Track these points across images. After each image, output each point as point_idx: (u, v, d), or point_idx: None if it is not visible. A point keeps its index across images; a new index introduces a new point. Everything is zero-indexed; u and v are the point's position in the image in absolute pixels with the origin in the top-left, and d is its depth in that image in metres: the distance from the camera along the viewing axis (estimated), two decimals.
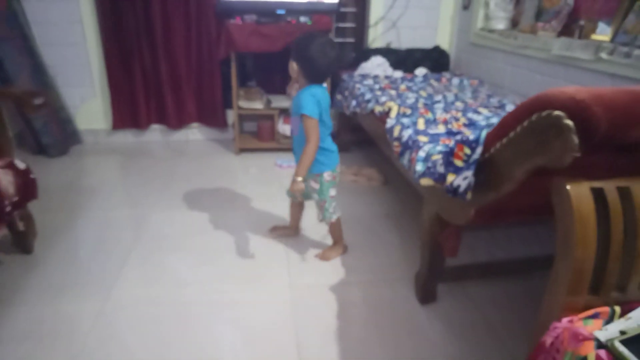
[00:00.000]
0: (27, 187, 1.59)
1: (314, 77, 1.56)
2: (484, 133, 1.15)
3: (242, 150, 3.07)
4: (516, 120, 1.02)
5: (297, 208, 1.94)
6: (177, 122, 3.18)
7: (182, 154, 3.06)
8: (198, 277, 1.72)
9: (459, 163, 1.20)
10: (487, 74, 2.85)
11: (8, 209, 1.49)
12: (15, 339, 1.41)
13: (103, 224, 2.11)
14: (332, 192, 1.72)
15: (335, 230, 1.84)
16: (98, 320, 1.49)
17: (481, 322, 1.53)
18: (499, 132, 1.10)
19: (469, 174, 1.14)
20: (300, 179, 1.56)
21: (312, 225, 2.08)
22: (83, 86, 3.05)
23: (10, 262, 1.77)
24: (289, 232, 2.01)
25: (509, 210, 1.33)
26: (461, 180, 1.16)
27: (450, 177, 1.21)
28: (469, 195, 1.17)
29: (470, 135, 1.21)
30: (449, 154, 1.25)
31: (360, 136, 2.99)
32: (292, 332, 1.46)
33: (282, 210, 2.23)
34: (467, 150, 1.18)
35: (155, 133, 3.28)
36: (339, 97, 2.88)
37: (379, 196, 2.46)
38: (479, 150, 1.14)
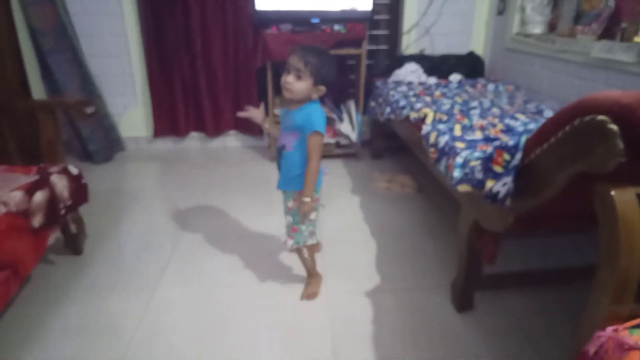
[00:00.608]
0: (79, 191, 1.68)
1: (327, 93, 1.50)
2: (523, 139, 1.15)
3: None
4: (557, 125, 1.01)
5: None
6: (214, 129, 3.28)
7: (219, 160, 3.15)
8: (236, 280, 1.77)
9: (498, 169, 1.20)
10: (523, 79, 2.81)
11: (62, 212, 1.58)
12: (67, 335, 1.49)
13: (146, 227, 2.20)
14: (313, 214, 1.55)
15: (312, 257, 1.68)
16: (144, 319, 1.56)
17: (519, 331, 1.51)
18: (539, 137, 1.09)
19: (508, 179, 1.14)
20: (308, 199, 1.46)
21: (344, 229, 2.11)
22: (126, 95, 3.19)
23: (62, 263, 1.88)
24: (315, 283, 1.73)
25: (549, 217, 1.31)
26: (500, 186, 1.16)
27: (490, 183, 1.21)
28: (508, 202, 1.17)
29: (510, 141, 1.21)
30: (487, 160, 1.25)
31: (393, 143, 3.00)
32: (328, 336, 1.49)
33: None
34: (507, 156, 1.18)
35: (193, 140, 3.39)
36: (372, 104, 2.90)
37: (412, 203, 2.45)
38: (519, 156, 1.14)
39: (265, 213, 2.32)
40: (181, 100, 3.17)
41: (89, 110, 1.69)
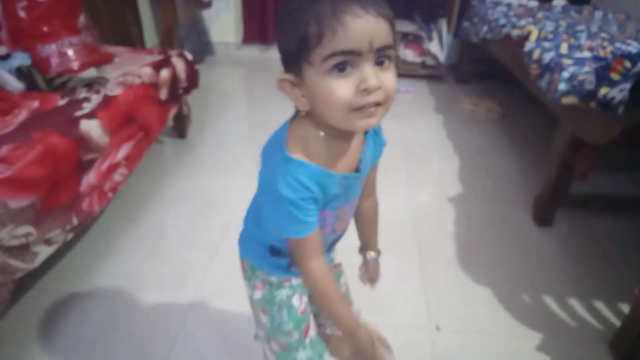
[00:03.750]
0: (192, 75, 1.83)
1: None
2: None
3: None
4: None
5: None
6: None
7: None
8: None
9: (615, 77, 1.19)
10: (635, 8, 2.59)
11: (180, 92, 1.74)
12: (181, 200, 1.71)
13: (239, 122, 2.38)
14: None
15: None
16: (246, 193, 1.73)
17: (598, 251, 1.54)
18: None
19: (626, 86, 1.14)
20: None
21: (427, 142, 2.14)
22: (219, 0, 3.27)
23: (169, 144, 2.09)
24: None
25: None
26: (617, 92, 1.16)
27: (604, 90, 1.21)
28: (620, 110, 1.17)
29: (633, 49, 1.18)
30: (604, 69, 1.24)
31: (481, 68, 2.94)
32: (412, 230, 1.60)
33: (397, 128, 2.33)
34: (628, 64, 1.16)
35: None
36: (466, 24, 2.80)
37: (497, 127, 2.44)
38: None
39: None
40: (271, 8, 3.21)
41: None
